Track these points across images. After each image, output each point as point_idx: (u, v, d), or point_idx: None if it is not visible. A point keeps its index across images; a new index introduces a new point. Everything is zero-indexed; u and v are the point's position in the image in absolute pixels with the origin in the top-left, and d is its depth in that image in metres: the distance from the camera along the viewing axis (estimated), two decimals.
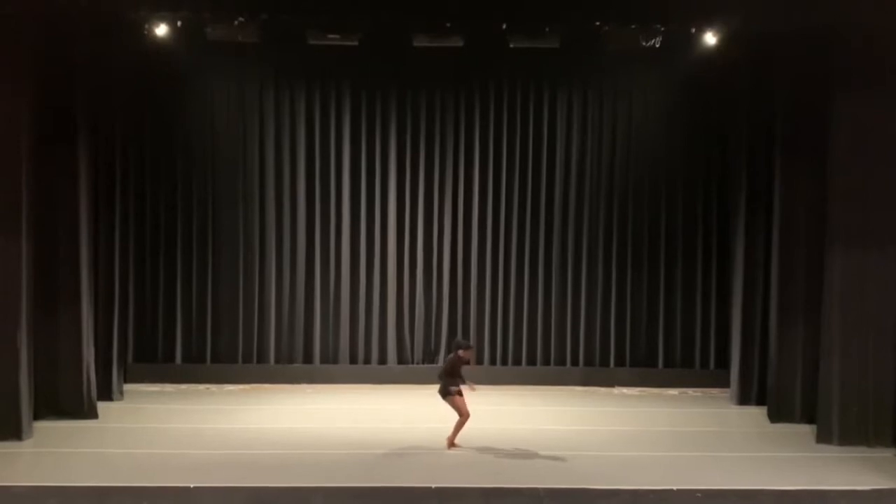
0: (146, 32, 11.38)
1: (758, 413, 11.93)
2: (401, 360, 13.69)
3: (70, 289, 11.05)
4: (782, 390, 11.54)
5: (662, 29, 11.15)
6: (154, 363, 13.36)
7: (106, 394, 11.85)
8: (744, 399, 12.38)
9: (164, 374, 13.25)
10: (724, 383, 12.93)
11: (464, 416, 10.03)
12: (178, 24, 11.27)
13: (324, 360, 13.64)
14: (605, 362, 13.64)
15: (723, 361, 13.29)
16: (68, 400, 11.05)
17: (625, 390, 13.34)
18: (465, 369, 10.18)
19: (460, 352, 10.15)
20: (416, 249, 13.65)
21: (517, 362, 13.72)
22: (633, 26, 11.17)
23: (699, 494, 8.73)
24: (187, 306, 13.41)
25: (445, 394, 10.05)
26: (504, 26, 11.24)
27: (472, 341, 13.50)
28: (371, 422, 11.34)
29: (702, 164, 13.52)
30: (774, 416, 11.56)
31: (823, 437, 10.57)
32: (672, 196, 13.57)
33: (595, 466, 9.62)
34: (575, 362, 13.67)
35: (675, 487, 8.89)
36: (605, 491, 8.76)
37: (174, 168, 13.35)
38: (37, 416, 10.67)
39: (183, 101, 13.26)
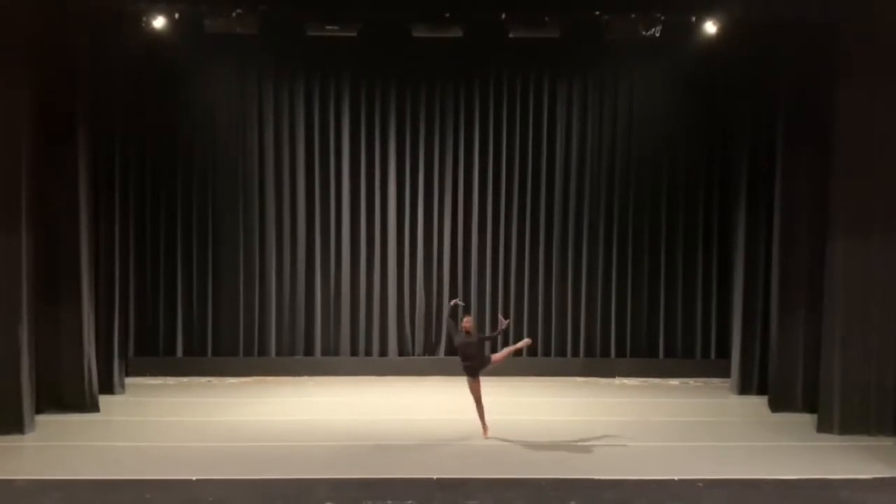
0: (144, 26, 11.34)
1: (759, 402, 11.93)
2: (402, 352, 13.70)
3: (71, 283, 11.04)
4: (783, 380, 11.54)
5: (662, 18, 11.12)
6: (155, 356, 13.37)
7: (107, 387, 11.85)
8: (745, 389, 12.38)
9: (165, 367, 13.26)
10: (725, 373, 12.93)
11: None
12: (176, 16, 11.23)
13: (325, 353, 13.64)
14: (605, 353, 13.65)
15: (724, 351, 13.29)
16: (70, 394, 11.06)
17: (626, 381, 13.35)
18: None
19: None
20: (417, 241, 13.63)
21: (518, 353, 13.69)
22: (632, 15, 11.13)
23: (701, 484, 8.75)
24: (188, 299, 13.40)
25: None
26: (503, 16, 11.20)
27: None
28: (373, 413, 11.35)
29: (703, 153, 13.50)
30: (775, 406, 11.56)
31: (825, 427, 10.58)
32: (673, 185, 13.55)
33: (597, 457, 9.63)
34: (576, 353, 13.67)
35: (676, 477, 8.90)
36: (607, 481, 8.77)
37: (174, 161, 13.33)
38: (39, 409, 10.69)
39: (182, 94, 13.22)
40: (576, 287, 13.63)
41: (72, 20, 10.76)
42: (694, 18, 11.37)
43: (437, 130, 13.51)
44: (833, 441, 10.31)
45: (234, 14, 11.03)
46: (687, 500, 8.38)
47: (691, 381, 13.36)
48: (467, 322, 10.04)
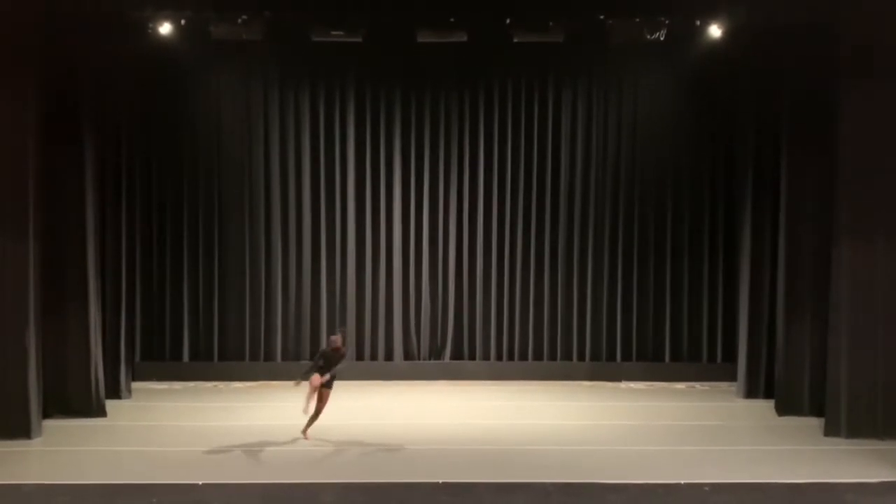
0: (150, 31, 11.40)
1: (765, 406, 11.91)
2: (407, 357, 13.70)
3: (77, 288, 11.08)
4: (790, 383, 11.51)
5: (667, 22, 11.13)
6: (162, 361, 13.40)
7: (114, 392, 11.89)
8: (751, 392, 12.36)
9: (171, 371, 13.28)
10: (731, 377, 12.91)
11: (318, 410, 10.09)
12: (182, 22, 11.29)
13: None
14: (612, 357, 13.63)
15: (730, 355, 13.26)
16: (77, 398, 11.10)
17: (632, 384, 13.34)
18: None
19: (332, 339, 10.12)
20: (422, 245, 13.65)
21: (524, 357, 13.71)
22: (637, 19, 11.14)
23: (707, 488, 8.74)
24: (194, 304, 13.44)
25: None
26: (508, 21, 11.23)
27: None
28: (378, 417, 11.36)
29: (708, 157, 13.49)
30: (782, 410, 11.53)
31: (832, 430, 10.54)
32: (678, 189, 13.55)
33: (603, 461, 9.62)
34: (582, 357, 13.66)
35: (683, 481, 8.90)
36: (614, 485, 8.76)
37: (180, 166, 13.37)
38: (46, 414, 10.71)
39: (188, 100, 13.28)
40: (581, 291, 13.62)
41: (78, 28, 10.80)
42: (698, 22, 11.39)
43: (441, 135, 13.53)
44: (840, 445, 10.28)
45: (239, 20, 11.07)
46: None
47: (697, 384, 13.33)
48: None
